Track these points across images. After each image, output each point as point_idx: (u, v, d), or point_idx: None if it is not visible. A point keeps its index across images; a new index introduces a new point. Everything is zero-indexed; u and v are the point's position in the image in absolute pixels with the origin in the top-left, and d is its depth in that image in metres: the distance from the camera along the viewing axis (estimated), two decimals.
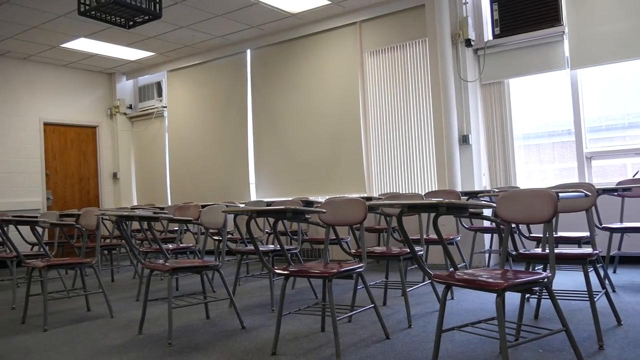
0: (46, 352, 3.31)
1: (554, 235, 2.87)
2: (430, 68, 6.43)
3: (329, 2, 6.67)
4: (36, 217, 5.21)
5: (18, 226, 5.84)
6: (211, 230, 4.16)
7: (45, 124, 8.82)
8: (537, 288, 2.92)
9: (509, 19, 6.11)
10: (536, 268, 3.18)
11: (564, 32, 5.79)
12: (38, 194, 8.61)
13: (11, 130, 8.37)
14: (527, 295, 3.63)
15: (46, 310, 3.94)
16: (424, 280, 4.75)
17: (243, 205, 6.22)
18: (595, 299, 2.89)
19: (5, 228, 4.66)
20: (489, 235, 5.69)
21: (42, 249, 4.81)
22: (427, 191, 6.11)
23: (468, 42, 6.21)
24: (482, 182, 6.32)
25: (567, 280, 4.71)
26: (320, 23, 7.31)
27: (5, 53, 8.17)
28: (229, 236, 5.66)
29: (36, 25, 6.98)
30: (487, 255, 5.60)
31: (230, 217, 5.25)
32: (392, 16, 6.83)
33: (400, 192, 6.77)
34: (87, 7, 4.88)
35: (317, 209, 3.25)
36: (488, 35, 6.34)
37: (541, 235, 3.65)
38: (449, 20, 6.19)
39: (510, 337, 2.95)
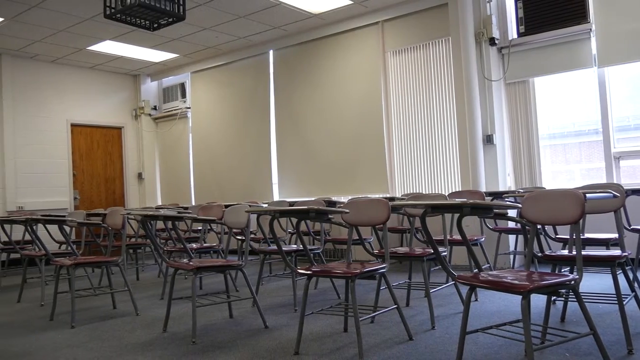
0: (73, 348, 3.37)
1: (582, 237, 2.82)
2: (454, 67, 6.38)
3: (351, 2, 6.66)
4: (64, 216, 5.31)
5: (46, 225, 5.96)
6: (234, 230, 4.19)
7: (73, 125, 8.98)
8: (563, 290, 2.88)
9: (534, 16, 6.03)
10: (562, 270, 3.13)
11: (591, 29, 5.69)
12: (65, 194, 8.77)
13: (40, 132, 8.54)
14: (553, 298, 3.58)
15: (74, 308, 4.01)
16: (447, 282, 4.71)
17: (266, 205, 6.25)
18: (624, 302, 2.83)
19: (34, 227, 4.76)
20: (514, 236, 5.61)
21: (69, 248, 4.90)
22: (450, 191, 6.07)
23: (492, 41, 6.14)
24: (506, 182, 6.24)
25: (594, 282, 4.63)
26: (342, 23, 7.31)
27: (34, 56, 8.34)
28: (252, 236, 5.69)
29: (63, 28, 7.11)
30: (511, 256, 5.53)
31: (253, 217, 5.27)
32: (415, 15, 6.79)
33: (423, 192, 6.72)
34: (112, 10, 4.95)
35: (340, 209, 3.25)
36: (513, 33, 6.26)
37: (568, 237, 3.59)
38: (472, 19, 6.13)
39: (535, 340, 2.91)
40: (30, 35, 7.35)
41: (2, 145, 8.06)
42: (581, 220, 2.53)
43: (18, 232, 6.90)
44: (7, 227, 6.15)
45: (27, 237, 6.51)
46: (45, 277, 5.41)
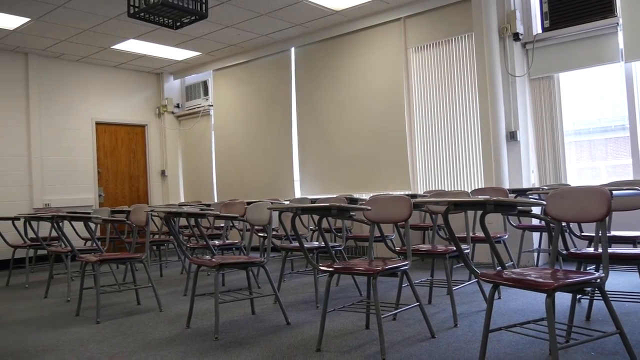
0: (99, 343, 3.43)
1: (608, 235, 2.78)
2: (477, 63, 6.31)
3: None
4: (89, 213, 5.39)
5: (72, 222, 6.06)
6: (256, 227, 4.22)
7: (97, 124, 9.11)
8: (589, 289, 2.83)
9: (559, 11, 5.93)
10: (588, 268, 3.08)
11: (617, 23, 5.57)
12: (90, 191, 8.91)
13: (65, 130, 8.68)
14: (578, 296, 3.52)
15: (99, 303, 4.08)
16: (470, 279, 4.67)
17: (287, 202, 6.27)
18: None
19: (60, 224, 4.85)
20: (538, 233, 5.54)
21: (94, 244, 4.98)
22: (473, 188, 6.01)
23: (516, 36, 6.06)
24: (530, 179, 6.16)
25: (621, 281, 4.55)
26: (364, 20, 7.28)
27: (59, 55, 8.48)
28: (274, 233, 5.71)
29: (88, 28, 7.22)
30: (535, 254, 5.46)
31: (275, 214, 5.29)
32: (437, 11, 6.73)
33: (446, 189, 6.67)
34: (136, 9, 5.01)
35: (362, 207, 3.24)
36: (537, 28, 6.17)
37: (593, 234, 3.53)
38: (496, 14, 6.06)
39: (560, 339, 2.87)
40: (55, 35, 7.48)
41: (29, 143, 8.22)
42: (607, 218, 2.49)
43: (45, 229, 7.04)
44: (34, 223, 6.27)
45: (54, 233, 6.64)
46: (71, 273, 5.51)
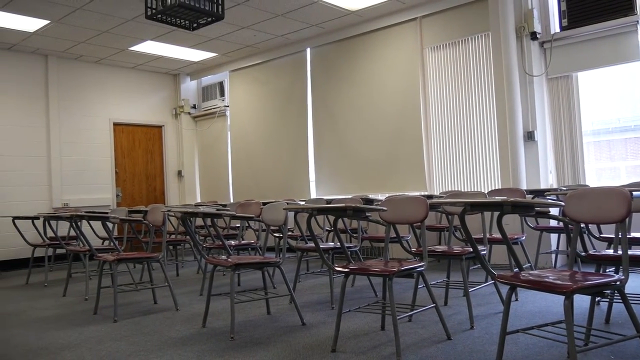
0: (116, 341, 3.46)
1: (627, 236, 2.74)
2: (494, 63, 6.26)
3: None
4: (107, 213, 5.45)
5: (90, 222, 6.13)
6: (272, 227, 4.23)
7: (115, 124, 9.20)
8: (608, 291, 2.80)
9: (577, 9, 5.86)
10: (607, 270, 3.04)
11: (638, 21, 5.49)
12: (108, 191, 9.00)
13: (84, 131, 8.78)
14: (597, 299, 3.48)
15: (116, 302, 4.12)
16: (486, 281, 4.63)
17: (303, 203, 6.28)
18: None
19: (79, 223, 4.90)
20: (556, 235, 5.48)
21: (112, 244, 5.03)
22: (489, 189, 5.96)
23: (534, 35, 6.00)
24: (548, 180, 6.10)
25: None
26: (380, 20, 7.26)
27: (78, 57, 8.58)
28: (290, 233, 5.72)
29: (106, 30, 7.30)
30: (553, 256, 5.40)
31: (291, 214, 5.30)
32: (454, 10, 6.69)
33: (462, 190, 6.63)
34: (153, 11, 5.05)
35: (378, 207, 3.23)
36: (555, 27, 6.11)
37: (613, 236, 3.48)
38: (513, 13, 6.00)
39: (579, 342, 2.83)
40: (74, 37, 7.57)
41: (48, 143, 8.33)
42: (627, 219, 2.45)
43: (64, 228, 7.13)
44: (53, 223, 6.35)
45: (72, 233, 6.72)
46: (89, 272, 5.57)
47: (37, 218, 6.03)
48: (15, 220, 6.30)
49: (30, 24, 6.93)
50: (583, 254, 2.90)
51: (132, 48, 8.20)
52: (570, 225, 2.70)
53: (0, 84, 7.90)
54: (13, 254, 7.72)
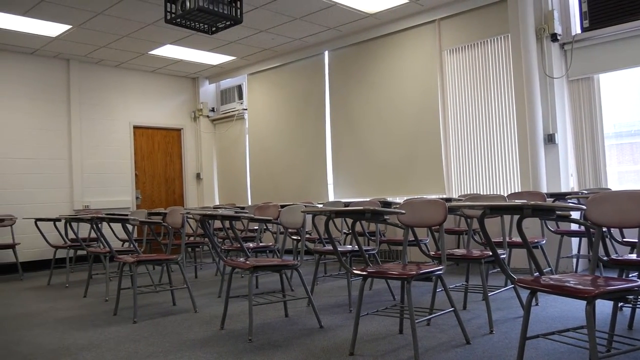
0: (136, 342, 3.49)
1: None
2: (513, 65, 6.20)
3: (407, 1, 6.59)
4: (127, 215, 5.51)
5: (110, 223, 6.19)
6: (290, 230, 4.23)
7: (135, 127, 9.30)
8: (631, 296, 2.75)
9: (598, 10, 5.78)
10: (630, 275, 2.99)
11: None
12: (128, 194, 9.10)
13: (104, 134, 8.90)
14: (620, 304, 3.42)
15: (136, 304, 4.16)
16: (506, 285, 4.59)
17: (321, 206, 6.28)
18: None
19: (99, 225, 4.96)
20: (577, 239, 5.40)
21: (132, 245, 5.08)
22: (509, 192, 5.90)
23: (554, 37, 5.93)
24: (569, 183, 6.02)
25: None
26: (398, 22, 7.24)
27: (99, 61, 8.70)
28: (307, 236, 5.72)
29: (127, 34, 7.38)
30: (574, 260, 5.33)
31: (309, 217, 5.31)
32: (473, 12, 6.65)
33: (481, 193, 6.57)
34: (173, 15, 5.10)
35: (397, 210, 3.22)
36: (576, 28, 6.04)
37: (636, 240, 3.42)
38: (533, 15, 5.95)
39: (601, 348, 2.79)
40: (95, 42, 7.68)
41: (69, 146, 8.45)
42: None
43: (84, 230, 7.22)
44: (74, 225, 6.43)
45: (93, 234, 6.81)
46: (110, 274, 5.63)
47: (59, 220, 6.12)
48: (38, 222, 6.40)
49: (52, 29, 7.04)
50: (605, 258, 2.86)
51: (152, 52, 8.29)
52: (592, 229, 2.66)
53: (23, 88, 8.04)
54: (36, 255, 7.84)
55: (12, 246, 7.04)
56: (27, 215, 7.66)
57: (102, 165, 8.82)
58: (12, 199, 7.80)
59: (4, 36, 7.25)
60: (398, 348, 3.09)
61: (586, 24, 5.88)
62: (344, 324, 3.73)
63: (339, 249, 4.28)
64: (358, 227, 5.39)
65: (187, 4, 4.92)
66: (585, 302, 2.11)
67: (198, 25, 5.34)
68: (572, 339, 2.75)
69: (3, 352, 3.41)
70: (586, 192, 4.57)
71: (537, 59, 5.94)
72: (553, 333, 2.72)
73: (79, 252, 7.39)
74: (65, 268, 6.66)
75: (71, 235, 6.32)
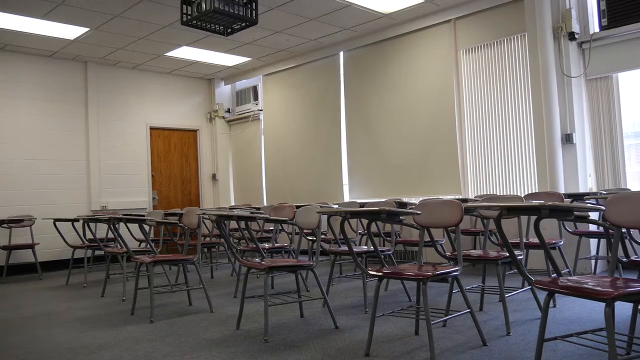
0: (152, 342, 3.52)
1: None
2: (530, 64, 6.15)
3: (423, 1, 6.57)
4: (143, 215, 5.55)
5: (128, 224, 6.25)
6: (305, 231, 4.24)
7: (151, 128, 9.38)
8: None
9: (617, 8, 5.70)
10: None
11: None
12: (145, 194, 9.18)
13: (121, 135, 8.98)
14: None
15: (152, 303, 4.19)
16: (523, 286, 4.55)
17: (336, 206, 6.28)
18: None
19: (116, 226, 5.01)
20: (595, 240, 5.34)
21: (148, 246, 5.12)
22: (526, 193, 5.85)
23: (572, 36, 5.87)
24: (587, 183, 5.95)
25: None
26: (413, 22, 7.22)
27: (116, 63, 8.79)
28: (323, 236, 5.72)
29: (143, 36, 7.45)
30: (593, 261, 5.26)
31: (324, 217, 5.30)
32: (489, 12, 6.60)
33: (498, 193, 6.52)
34: (189, 17, 5.14)
35: (412, 211, 3.21)
36: (594, 27, 5.96)
37: None
38: (550, 13, 5.89)
39: (620, 351, 2.75)
40: (112, 44, 7.75)
41: (87, 148, 8.55)
42: None
43: (102, 230, 7.30)
44: (92, 225, 6.50)
45: (110, 235, 6.87)
46: (127, 274, 5.68)
47: (77, 220, 6.19)
48: (56, 223, 6.48)
49: (70, 31, 7.13)
50: (625, 259, 2.82)
51: (168, 54, 8.35)
52: (610, 230, 2.63)
53: (42, 90, 8.15)
54: (54, 255, 7.94)
55: (31, 246, 7.14)
56: (46, 216, 7.77)
57: (119, 166, 8.90)
58: (31, 199, 7.91)
59: (24, 39, 7.35)
60: (414, 349, 3.08)
61: (604, 22, 5.80)
62: (359, 325, 3.73)
63: (354, 249, 4.28)
64: (373, 228, 5.37)
65: (203, 5, 4.95)
66: (604, 304, 2.08)
67: (214, 27, 5.37)
68: (591, 341, 2.72)
69: (22, 351, 3.46)
70: (605, 192, 4.51)
71: (554, 58, 5.88)
72: (571, 335, 2.69)
73: (97, 252, 7.49)
74: (83, 268, 6.73)
75: (89, 235, 6.39)
